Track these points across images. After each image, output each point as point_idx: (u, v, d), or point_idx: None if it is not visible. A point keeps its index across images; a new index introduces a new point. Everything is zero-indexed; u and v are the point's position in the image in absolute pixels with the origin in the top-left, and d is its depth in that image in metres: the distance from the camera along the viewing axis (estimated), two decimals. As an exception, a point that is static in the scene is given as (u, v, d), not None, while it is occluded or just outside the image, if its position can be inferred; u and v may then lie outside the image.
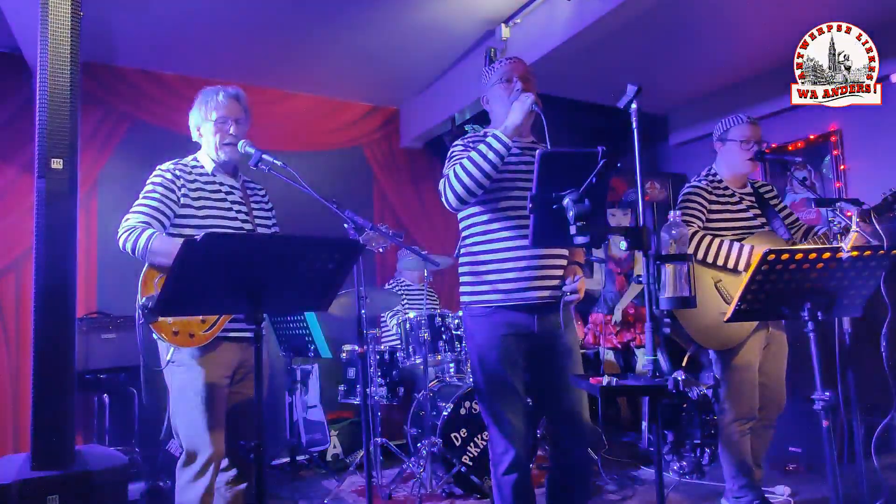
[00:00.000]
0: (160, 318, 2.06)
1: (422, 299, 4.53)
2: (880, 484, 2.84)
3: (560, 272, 2.24)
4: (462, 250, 2.32)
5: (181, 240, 2.11)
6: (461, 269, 2.32)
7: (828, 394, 1.94)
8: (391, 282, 4.93)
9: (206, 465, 2.12)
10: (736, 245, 2.72)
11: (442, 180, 2.22)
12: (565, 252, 2.28)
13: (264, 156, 2.27)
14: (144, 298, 2.06)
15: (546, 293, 2.19)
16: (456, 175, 2.13)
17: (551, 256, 2.21)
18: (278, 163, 2.27)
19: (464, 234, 2.33)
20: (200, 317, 2.14)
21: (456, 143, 2.33)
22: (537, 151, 1.78)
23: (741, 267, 2.70)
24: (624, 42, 4.11)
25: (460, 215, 2.32)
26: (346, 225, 2.33)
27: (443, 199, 2.21)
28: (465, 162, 2.12)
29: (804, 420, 3.43)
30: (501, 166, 2.13)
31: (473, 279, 2.26)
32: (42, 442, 2.38)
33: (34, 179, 2.46)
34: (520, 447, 2.18)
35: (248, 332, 2.23)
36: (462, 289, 2.32)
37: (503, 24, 3.99)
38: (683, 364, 3.74)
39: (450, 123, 5.04)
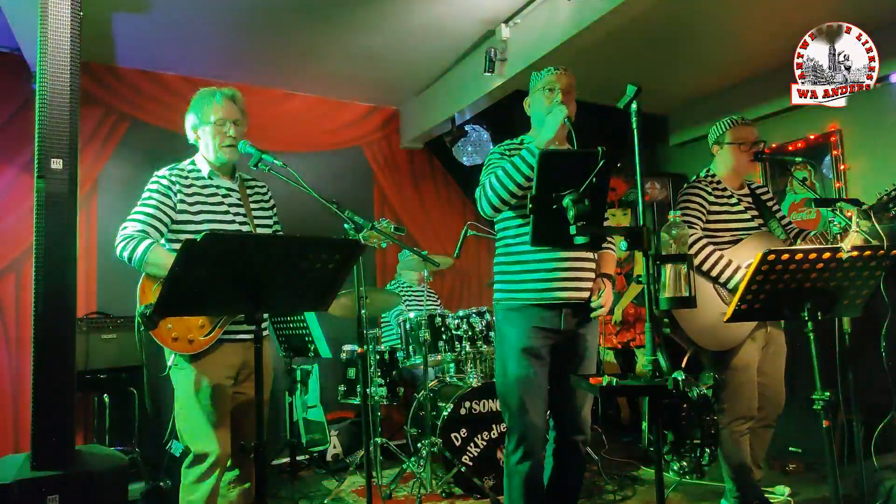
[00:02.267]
0: (159, 324, 2.06)
1: (422, 300, 4.53)
2: (880, 484, 2.84)
3: (589, 274, 2.33)
4: (497, 250, 2.43)
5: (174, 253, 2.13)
6: (495, 268, 2.43)
7: (828, 394, 1.94)
8: (393, 282, 4.94)
9: (213, 466, 2.12)
10: (734, 264, 2.70)
11: (478, 189, 2.32)
12: (593, 256, 2.37)
13: (264, 156, 2.28)
14: (143, 307, 2.07)
15: (573, 294, 2.27)
16: (490, 186, 2.23)
17: (579, 259, 2.30)
18: (278, 163, 2.28)
19: (498, 234, 2.44)
20: (199, 322, 2.15)
21: (493, 149, 2.43)
22: (537, 151, 1.79)
23: (730, 286, 2.69)
24: (624, 42, 4.11)
25: (496, 217, 2.41)
26: (346, 225, 2.33)
27: (478, 207, 2.31)
28: (499, 173, 2.20)
29: (804, 420, 3.43)
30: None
31: (505, 277, 2.37)
32: (42, 442, 2.38)
33: (34, 179, 2.46)
34: (534, 438, 2.27)
35: (249, 332, 2.24)
36: (496, 286, 2.42)
37: (503, 24, 3.98)
38: (683, 364, 3.74)
39: (450, 123, 5.04)
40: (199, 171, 2.34)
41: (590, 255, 2.36)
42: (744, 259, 2.72)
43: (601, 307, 2.30)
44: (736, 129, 2.86)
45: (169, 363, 2.21)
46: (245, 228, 2.33)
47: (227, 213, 2.32)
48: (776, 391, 2.87)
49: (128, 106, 4.42)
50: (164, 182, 2.24)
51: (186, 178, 2.29)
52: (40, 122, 2.46)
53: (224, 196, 2.34)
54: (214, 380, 2.17)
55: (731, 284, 2.70)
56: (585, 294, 2.31)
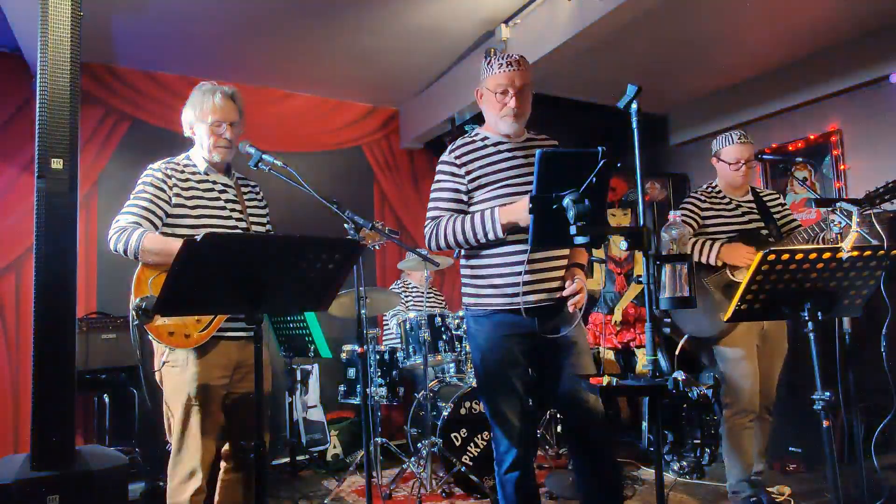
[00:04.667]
0: (155, 319, 2.05)
1: (429, 299, 4.53)
2: (880, 484, 2.84)
3: (558, 273, 2.22)
4: (462, 252, 2.32)
5: (175, 238, 2.11)
6: (462, 272, 2.33)
7: (828, 394, 1.94)
8: (398, 283, 4.93)
9: (198, 467, 2.11)
10: (708, 243, 2.93)
11: (429, 223, 2.27)
12: (565, 253, 2.26)
13: (265, 156, 2.27)
14: (138, 299, 2.05)
15: (545, 296, 2.18)
16: (444, 232, 2.21)
17: (549, 259, 2.20)
18: (279, 163, 2.27)
19: None
20: (195, 316, 2.13)
21: (443, 159, 2.30)
22: (537, 151, 1.78)
23: (711, 261, 2.91)
24: (624, 42, 4.11)
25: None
26: (346, 225, 2.33)
27: (426, 240, 2.29)
28: (458, 227, 2.17)
29: (804, 420, 3.44)
30: (495, 168, 2.20)
31: (473, 282, 2.27)
32: (42, 442, 2.38)
33: (34, 179, 2.46)
34: (521, 446, 2.19)
35: (246, 330, 2.22)
36: (463, 290, 2.32)
37: (503, 25, 3.98)
38: (676, 352, 3.80)
39: (449, 123, 5.04)
40: (194, 165, 2.31)
41: (562, 253, 2.23)
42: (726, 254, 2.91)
43: (574, 296, 2.13)
44: (729, 149, 3.01)
45: (161, 360, 2.17)
46: (241, 226, 2.31)
47: (223, 209, 2.29)
48: (765, 386, 2.97)
49: (128, 106, 4.43)
50: (159, 175, 2.20)
51: (182, 172, 2.26)
52: (40, 122, 2.46)
53: (221, 192, 2.31)
54: (205, 380, 2.14)
55: (711, 259, 2.91)
56: (556, 294, 2.19)
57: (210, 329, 2.14)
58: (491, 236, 2.12)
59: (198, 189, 2.27)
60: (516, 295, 2.15)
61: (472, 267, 2.27)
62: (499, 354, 2.19)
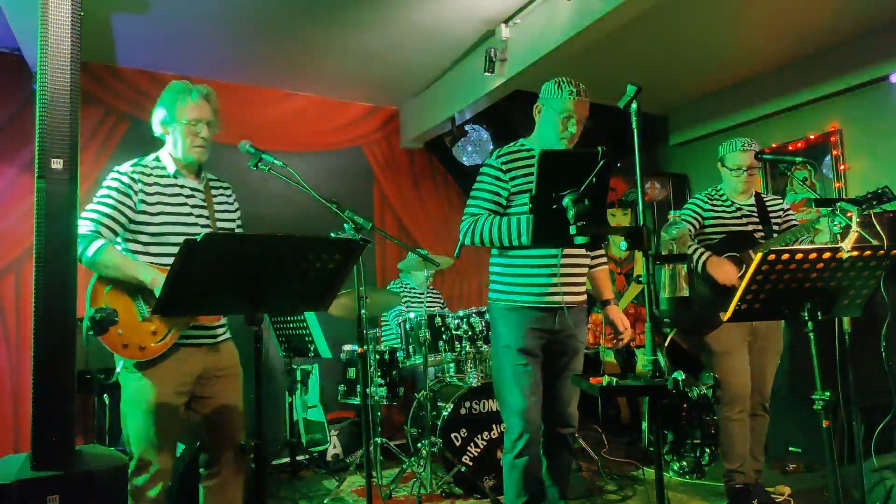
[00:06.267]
0: (110, 330, 2.01)
1: (423, 300, 4.53)
2: (880, 484, 2.84)
3: (582, 279, 2.45)
4: (492, 250, 2.49)
5: (135, 259, 2.08)
6: (491, 269, 2.50)
7: (828, 394, 1.95)
8: (395, 282, 4.93)
9: (155, 476, 2.08)
10: (698, 252, 3.00)
11: (467, 219, 2.39)
12: (586, 262, 2.46)
13: (264, 156, 2.27)
14: (93, 310, 2.00)
15: (568, 297, 2.37)
16: (481, 230, 2.35)
17: (574, 265, 2.39)
18: (278, 163, 2.27)
19: None
20: (151, 327, 2.09)
21: (488, 161, 2.44)
22: (537, 151, 1.79)
23: (699, 270, 2.98)
24: (624, 42, 4.11)
25: None
26: (346, 225, 2.33)
27: (461, 235, 2.41)
28: (494, 227, 2.31)
29: (804, 420, 3.44)
30: (528, 177, 2.35)
31: (502, 279, 2.44)
32: (42, 442, 2.37)
33: (34, 179, 2.46)
34: (532, 433, 2.34)
35: (208, 337, 2.20)
36: (491, 286, 2.49)
37: (503, 24, 3.98)
38: (665, 344, 3.84)
39: (450, 123, 5.03)
40: (164, 167, 2.25)
41: (585, 257, 2.44)
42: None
43: (630, 338, 2.49)
44: (732, 155, 3.09)
45: (118, 368, 2.14)
46: (206, 231, 2.23)
47: (189, 214, 2.23)
48: (759, 382, 3.02)
49: (128, 106, 4.42)
50: (125, 180, 2.15)
51: (150, 175, 2.20)
52: (40, 122, 2.45)
53: (188, 197, 2.25)
54: (162, 390, 2.09)
55: (698, 269, 2.99)
56: (579, 298, 2.43)
57: (166, 341, 2.10)
58: (524, 240, 2.27)
59: (164, 194, 2.21)
60: (545, 294, 2.35)
61: (505, 265, 2.43)
62: (522, 344, 2.35)
